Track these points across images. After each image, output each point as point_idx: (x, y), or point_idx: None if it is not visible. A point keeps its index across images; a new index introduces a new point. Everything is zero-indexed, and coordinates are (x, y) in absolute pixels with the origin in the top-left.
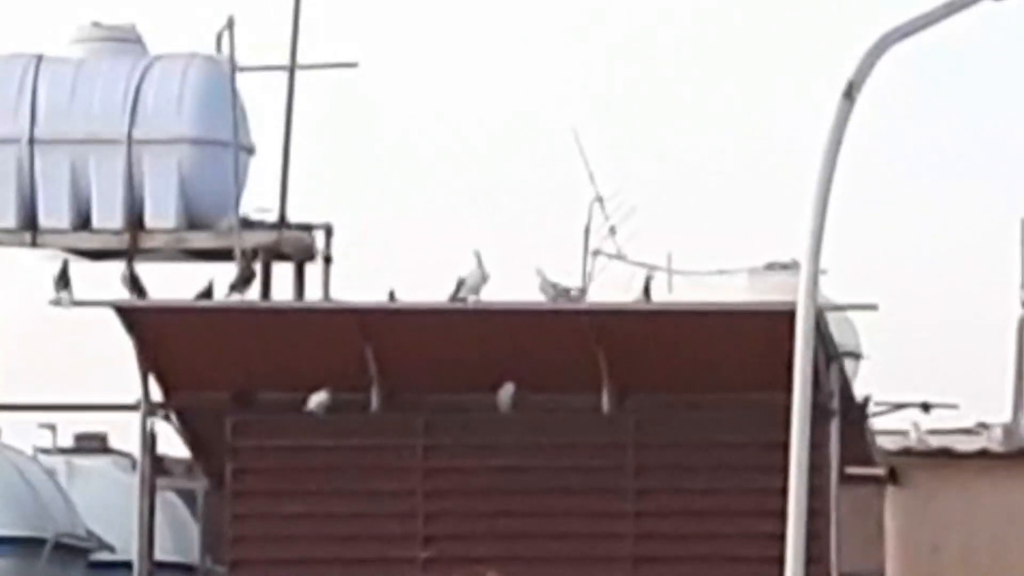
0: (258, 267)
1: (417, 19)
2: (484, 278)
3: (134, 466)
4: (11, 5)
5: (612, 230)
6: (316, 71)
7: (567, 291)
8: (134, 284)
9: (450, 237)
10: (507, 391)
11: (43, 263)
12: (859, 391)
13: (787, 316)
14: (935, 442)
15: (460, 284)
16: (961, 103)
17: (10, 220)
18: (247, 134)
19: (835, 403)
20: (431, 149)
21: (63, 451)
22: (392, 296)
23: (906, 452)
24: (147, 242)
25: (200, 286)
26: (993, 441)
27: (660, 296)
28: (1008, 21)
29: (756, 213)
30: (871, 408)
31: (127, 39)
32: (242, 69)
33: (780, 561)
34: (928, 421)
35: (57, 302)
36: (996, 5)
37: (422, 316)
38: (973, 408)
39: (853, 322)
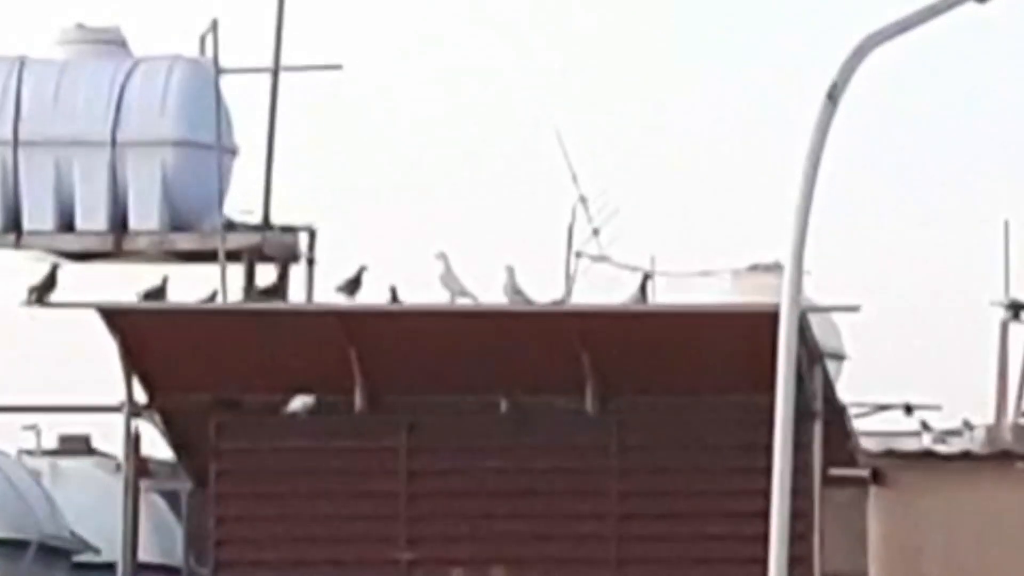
0: (237, 269)
1: (401, 21)
2: (456, 279)
3: (118, 468)
4: None
5: (595, 231)
6: (300, 73)
7: (528, 301)
8: (156, 296)
9: (433, 238)
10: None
11: (28, 264)
12: (842, 392)
13: (770, 317)
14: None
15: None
16: (945, 105)
17: None
18: (230, 136)
19: (818, 404)
20: (415, 151)
21: (47, 453)
22: (395, 294)
23: (889, 454)
24: (131, 244)
25: (183, 289)
26: (976, 442)
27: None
28: (991, 23)
29: (739, 214)
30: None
31: (111, 41)
32: (225, 71)
33: (764, 562)
34: (911, 422)
35: (27, 303)
36: (979, 7)
37: (406, 318)
38: (956, 409)
39: (836, 323)
